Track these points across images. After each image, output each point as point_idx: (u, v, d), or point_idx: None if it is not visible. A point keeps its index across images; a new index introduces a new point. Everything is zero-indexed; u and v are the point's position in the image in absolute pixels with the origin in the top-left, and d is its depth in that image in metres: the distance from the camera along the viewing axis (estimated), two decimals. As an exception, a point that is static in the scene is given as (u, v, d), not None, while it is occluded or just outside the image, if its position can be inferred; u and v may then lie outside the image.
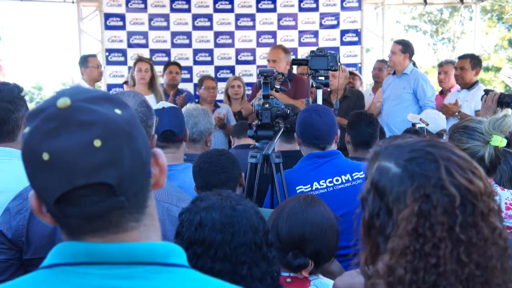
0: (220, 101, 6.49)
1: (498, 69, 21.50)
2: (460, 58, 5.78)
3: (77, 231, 0.92)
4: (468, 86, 5.60)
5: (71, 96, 0.89)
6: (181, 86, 6.95)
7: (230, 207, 1.58)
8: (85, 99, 0.90)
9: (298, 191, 2.76)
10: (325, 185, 2.77)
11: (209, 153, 2.64)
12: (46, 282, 0.91)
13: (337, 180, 2.77)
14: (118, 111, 0.91)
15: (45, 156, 0.85)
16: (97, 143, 0.86)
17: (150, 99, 5.40)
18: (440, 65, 6.62)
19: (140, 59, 6.06)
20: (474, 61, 5.67)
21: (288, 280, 1.98)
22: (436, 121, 4.11)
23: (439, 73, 6.47)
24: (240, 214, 1.57)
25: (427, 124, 3.73)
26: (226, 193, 1.69)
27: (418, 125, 4.58)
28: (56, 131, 0.86)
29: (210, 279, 0.99)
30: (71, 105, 0.88)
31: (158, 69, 6.63)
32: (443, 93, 6.36)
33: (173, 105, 2.99)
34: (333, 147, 2.98)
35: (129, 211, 0.93)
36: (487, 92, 3.66)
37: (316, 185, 2.77)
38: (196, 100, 6.33)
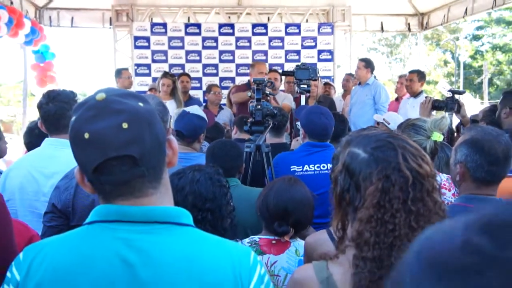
0: (224, 104, 6.47)
1: (436, 83, 21.66)
2: (410, 72, 5.79)
3: (110, 196, 0.93)
4: (415, 94, 5.60)
5: (106, 92, 0.92)
6: (192, 92, 6.90)
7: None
8: (117, 94, 0.92)
9: (291, 169, 2.73)
10: (313, 169, 2.74)
11: (224, 142, 2.58)
12: (88, 234, 0.93)
13: (323, 166, 2.73)
14: (141, 104, 0.92)
15: (86, 135, 0.87)
16: (125, 125, 0.87)
17: (171, 103, 5.23)
18: (399, 77, 6.70)
19: (165, 75, 5.57)
20: (421, 75, 5.68)
21: (273, 242, 1.99)
22: (396, 121, 4.11)
23: (397, 83, 6.56)
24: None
25: (389, 123, 3.72)
26: (203, 167, 1.75)
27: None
28: (94, 117, 0.88)
29: (211, 236, 0.98)
30: (106, 98, 0.90)
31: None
32: (398, 99, 6.36)
33: (198, 113, 2.81)
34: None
35: (148, 180, 0.92)
36: (426, 98, 3.69)
37: (306, 167, 2.74)
38: (204, 104, 6.28)
